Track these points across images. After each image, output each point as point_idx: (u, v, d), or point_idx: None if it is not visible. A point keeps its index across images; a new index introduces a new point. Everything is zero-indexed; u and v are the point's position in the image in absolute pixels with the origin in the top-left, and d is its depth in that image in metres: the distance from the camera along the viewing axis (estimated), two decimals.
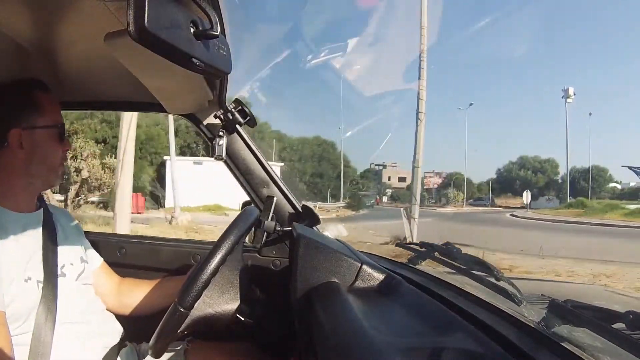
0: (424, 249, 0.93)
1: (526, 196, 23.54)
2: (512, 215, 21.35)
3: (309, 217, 1.14)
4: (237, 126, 1.08)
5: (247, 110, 1.05)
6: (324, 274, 0.73)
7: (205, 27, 0.49)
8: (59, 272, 0.84)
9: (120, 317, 0.98)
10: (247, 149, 1.13)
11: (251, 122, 1.07)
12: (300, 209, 1.16)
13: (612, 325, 0.43)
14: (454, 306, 0.61)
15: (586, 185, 30.84)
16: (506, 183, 32.75)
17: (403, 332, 0.55)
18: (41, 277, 0.80)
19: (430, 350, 0.47)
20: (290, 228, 1.05)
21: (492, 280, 0.64)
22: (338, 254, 0.74)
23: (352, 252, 0.83)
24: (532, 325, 0.50)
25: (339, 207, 25.18)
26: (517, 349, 0.45)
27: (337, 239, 1.06)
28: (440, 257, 0.84)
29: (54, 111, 0.87)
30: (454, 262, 0.78)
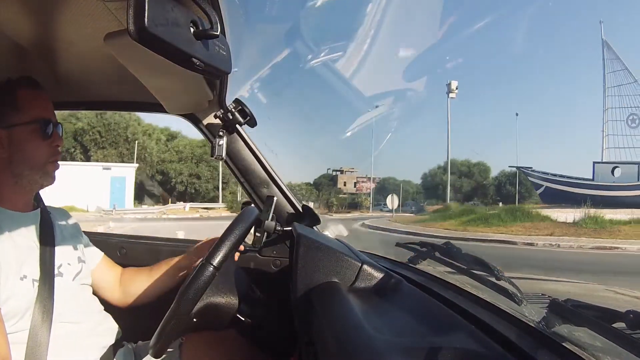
0: (424, 249, 0.93)
1: (390, 201, 21.20)
2: (362, 224, 19.27)
3: (309, 217, 1.14)
4: (237, 126, 1.08)
5: (247, 110, 1.05)
6: (324, 274, 0.73)
7: (205, 27, 0.49)
8: (55, 271, 0.84)
9: (117, 317, 0.98)
10: (247, 148, 1.13)
11: (251, 122, 1.07)
12: (300, 209, 1.16)
13: (613, 325, 0.43)
14: (455, 306, 0.61)
15: (513, 190, 28.85)
16: (431, 188, 31.16)
17: (403, 332, 0.55)
18: (37, 276, 0.80)
19: (430, 350, 0.47)
20: (290, 228, 1.05)
21: (493, 279, 0.64)
22: (338, 253, 0.74)
23: (352, 252, 0.83)
24: (533, 325, 0.50)
25: (212, 208, 25.66)
26: (518, 349, 0.45)
27: (337, 239, 1.06)
28: (441, 256, 0.84)
29: (36, 107, 0.84)
30: (454, 262, 0.78)
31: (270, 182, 1.15)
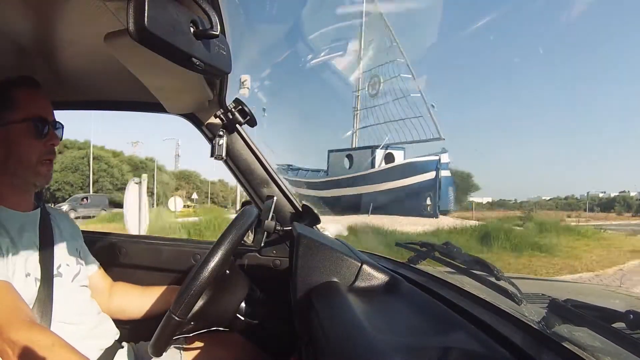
0: (424, 249, 0.93)
1: (173, 203, 15.44)
2: None
3: (309, 217, 1.14)
4: (237, 126, 1.08)
5: (247, 109, 1.05)
6: (324, 273, 0.73)
7: (205, 27, 0.49)
8: (54, 271, 0.84)
9: (116, 319, 0.98)
10: (247, 148, 1.13)
11: (251, 121, 1.07)
12: (300, 209, 1.16)
13: (612, 325, 0.43)
14: (455, 306, 0.61)
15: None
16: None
17: (403, 332, 0.55)
18: (39, 275, 0.80)
19: (430, 350, 0.47)
20: (290, 228, 1.05)
21: (493, 279, 0.64)
22: (338, 253, 0.74)
23: (352, 252, 0.83)
24: (533, 325, 0.50)
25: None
26: (518, 349, 0.45)
27: (337, 239, 1.06)
28: (441, 256, 0.84)
29: (32, 105, 0.84)
30: (454, 262, 0.78)
31: (270, 182, 1.14)
